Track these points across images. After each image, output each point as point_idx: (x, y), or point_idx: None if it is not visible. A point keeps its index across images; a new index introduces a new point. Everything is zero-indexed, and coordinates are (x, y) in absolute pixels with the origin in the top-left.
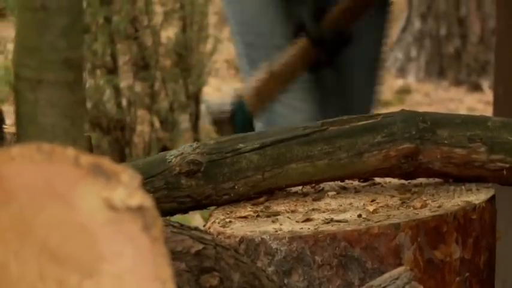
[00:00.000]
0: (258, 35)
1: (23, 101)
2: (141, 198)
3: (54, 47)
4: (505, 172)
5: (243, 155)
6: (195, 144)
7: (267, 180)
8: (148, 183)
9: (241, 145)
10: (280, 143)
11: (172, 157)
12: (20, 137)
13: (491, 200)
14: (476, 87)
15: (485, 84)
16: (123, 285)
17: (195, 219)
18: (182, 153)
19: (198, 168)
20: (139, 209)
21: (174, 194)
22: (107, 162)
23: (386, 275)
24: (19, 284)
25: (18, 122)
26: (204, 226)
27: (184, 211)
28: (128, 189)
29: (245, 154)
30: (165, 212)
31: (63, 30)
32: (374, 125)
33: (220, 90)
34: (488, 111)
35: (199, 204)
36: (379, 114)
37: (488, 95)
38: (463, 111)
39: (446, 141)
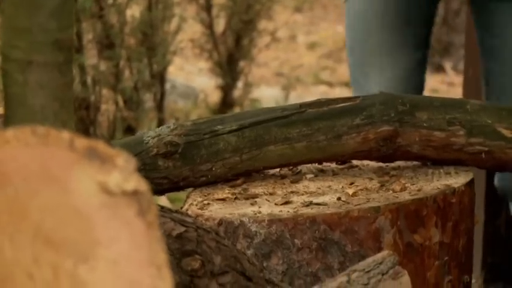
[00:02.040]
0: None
1: (12, 83)
2: (137, 183)
3: (44, 28)
4: (483, 155)
5: (220, 137)
6: (172, 125)
7: (245, 162)
8: None
9: (219, 127)
10: (258, 125)
11: (149, 138)
12: (9, 118)
13: (470, 183)
14: (439, 69)
15: (448, 65)
16: (118, 270)
17: (161, 200)
18: (159, 134)
19: (176, 150)
20: (135, 194)
21: (151, 176)
22: (102, 146)
23: (369, 260)
24: (13, 268)
25: (7, 103)
26: (180, 208)
27: (161, 193)
28: (123, 173)
29: (223, 136)
30: None
31: (53, 11)
32: (353, 107)
33: (184, 70)
34: (451, 92)
35: (176, 186)
36: (357, 97)
37: (451, 76)
38: (426, 93)
39: (425, 124)
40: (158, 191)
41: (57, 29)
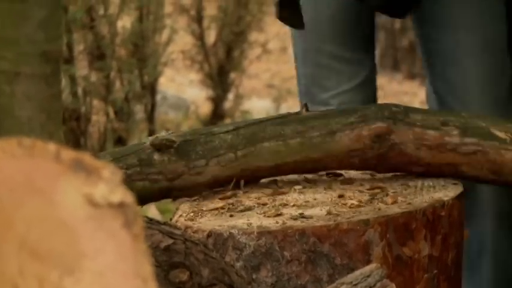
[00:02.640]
0: None
1: None
2: (123, 195)
3: (32, 40)
4: (478, 156)
5: (217, 136)
6: (171, 131)
7: (240, 160)
8: (122, 160)
9: (215, 129)
10: (254, 125)
11: (147, 139)
12: None
13: (460, 196)
14: None
15: None
16: (103, 282)
17: (151, 211)
18: (157, 136)
19: (171, 145)
20: (121, 206)
21: (146, 171)
22: (88, 158)
23: (357, 272)
24: None
25: None
26: (170, 220)
27: (158, 194)
28: (109, 185)
29: (219, 135)
30: (139, 198)
31: (41, 23)
32: (348, 109)
33: (175, 81)
34: None
35: (171, 185)
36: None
37: None
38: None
39: (419, 123)
40: (154, 190)
41: (45, 40)
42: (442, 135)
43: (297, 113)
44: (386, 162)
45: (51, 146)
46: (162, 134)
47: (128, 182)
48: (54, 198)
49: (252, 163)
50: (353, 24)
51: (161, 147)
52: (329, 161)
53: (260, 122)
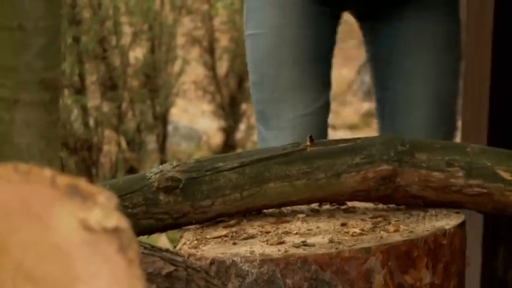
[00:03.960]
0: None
1: None
2: (117, 220)
3: (31, 67)
4: (482, 197)
5: (221, 173)
6: (175, 163)
7: (245, 200)
8: (127, 199)
9: (220, 164)
10: (259, 163)
11: (152, 174)
12: None
13: (462, 225)
14: None
15: None
16: None
17: (161, 240)
18: (162, 170)
19: (177, 185)
20: (116, 231)
21: (152, 210)
22: (83, 183)
23: None
24: None
25: None
26: (174, 247)
27: (163, 229)
28: (104, 210)
29: (224, 172)
30: (144, 230)
31: (40, 51)
32: (353, 147)
33: (187, 112)
34: None
35: (177, 223)
36: (358, 138)
37: None
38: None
39: (424, 165)
40: (159, 227)
41: (44, 68)
42: (447, 177)
43: (301, 150)
44: (390, 201)
45: (47, 172)
46: (166, 166)
47: (134, 220)
48: (49, 223)
49: (258, 203)
50: (314, 46)
51: (167, 189)
52: (334, 200)
53: (265, 159)
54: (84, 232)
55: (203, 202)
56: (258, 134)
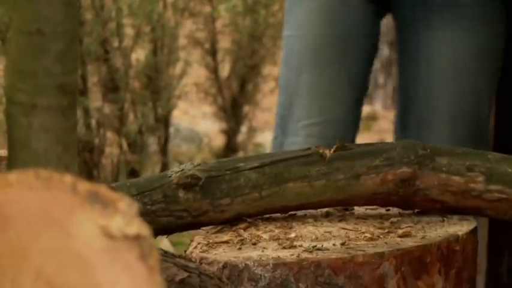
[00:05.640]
0: None
1: (16, 126)
2: (138, 227)
3: (49, 72)
4: (503, 203)
5: (241, 173)
6: (196, 162)
7: (264, 199)
8: (147, 196)
9: (241, 164)
10: (279, 163)
11: (173, 173)
12: (12, 161)
13: (474, 231)
14: None
15: None
16: None
17: (163, 243)
18: (183, 169)
19: (196, 183)
20: (136, 238)
21: (171, 208)
22: (104, 190)
23: None
24: None
25: (11, 146)
26: (185, 251)
27: (182, 228)
28: (125, 217)
29: (244, 172)
30: (163, 229)
31: (58, 55)
32: (373, 150)
33: (188, 114)
34: None
35: (196, 221)
36: (379, 142)
37: None
38: None
39: (444, 169)
40: (178, 225)
41: (62, 73)
42: (467, 181)
43: (321, 155)
44: (410, 205)
45: (68, 178)
46: (188, 166)
47: (153, 217)
48: (70, 230)
49: (277, 203)
50: (339, 53)
51: (186, 185)
52: (353, 202)
53: (285, 160)
54: (105, 239)
55: (222, 200)
56: (273, 139)
